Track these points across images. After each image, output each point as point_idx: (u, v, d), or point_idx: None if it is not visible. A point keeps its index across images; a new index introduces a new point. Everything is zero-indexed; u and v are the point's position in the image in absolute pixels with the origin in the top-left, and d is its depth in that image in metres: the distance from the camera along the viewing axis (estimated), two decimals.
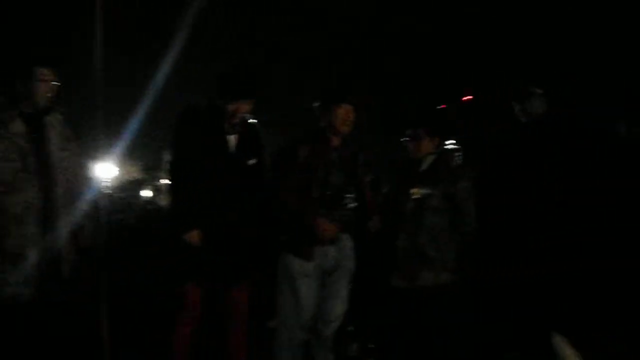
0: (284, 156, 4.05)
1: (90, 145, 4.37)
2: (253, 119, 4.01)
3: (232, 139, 3.97)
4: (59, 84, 3.65)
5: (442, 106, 11.81)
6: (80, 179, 3.82)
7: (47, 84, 3.60)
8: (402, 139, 4.33)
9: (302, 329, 3.96)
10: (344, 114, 4.00)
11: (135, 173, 31.16)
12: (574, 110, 4.98)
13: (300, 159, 3.97)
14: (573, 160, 4.24)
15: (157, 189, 28.95)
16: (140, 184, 31.84)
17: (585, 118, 4.75)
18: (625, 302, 4.20)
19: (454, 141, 6.49)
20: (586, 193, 4.13)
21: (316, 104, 4.08)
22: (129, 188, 28.64)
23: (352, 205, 4.01)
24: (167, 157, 3.98)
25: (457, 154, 5.51)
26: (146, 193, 31.86)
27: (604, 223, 4.17)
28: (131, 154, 25.40)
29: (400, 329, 4.23)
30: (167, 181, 4.08)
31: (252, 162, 3.99)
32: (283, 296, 4.00)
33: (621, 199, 4.22)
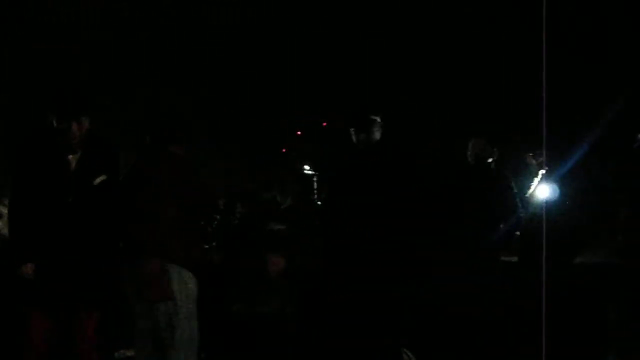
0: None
1: None
2: None
3: (73, 158, 3.83)
4: None
5: (297, 132, 12.04)
6: None
7: None
8: None
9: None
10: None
11: None
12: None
13: None
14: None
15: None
16: None
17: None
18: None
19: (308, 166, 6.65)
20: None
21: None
22: None
23: None
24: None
25: (314, 178, 5.66)
26: None
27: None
28: None
29: None
30: None
31: (99, 180, 3.84)
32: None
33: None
